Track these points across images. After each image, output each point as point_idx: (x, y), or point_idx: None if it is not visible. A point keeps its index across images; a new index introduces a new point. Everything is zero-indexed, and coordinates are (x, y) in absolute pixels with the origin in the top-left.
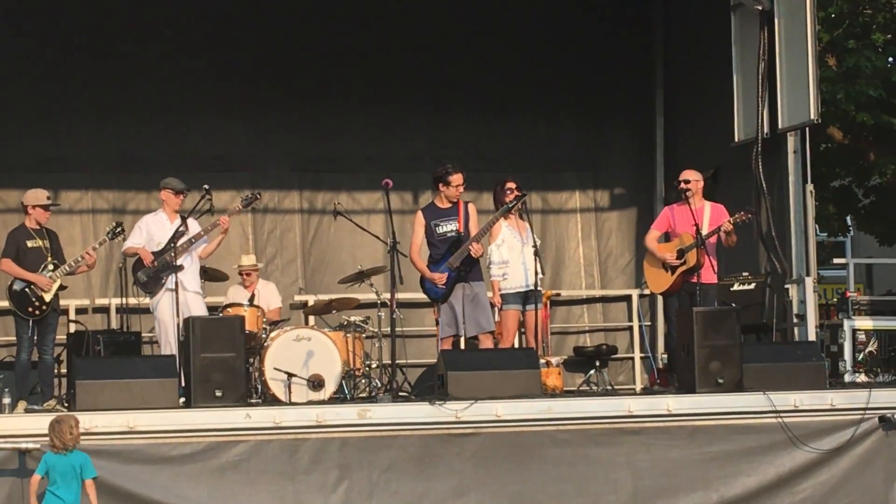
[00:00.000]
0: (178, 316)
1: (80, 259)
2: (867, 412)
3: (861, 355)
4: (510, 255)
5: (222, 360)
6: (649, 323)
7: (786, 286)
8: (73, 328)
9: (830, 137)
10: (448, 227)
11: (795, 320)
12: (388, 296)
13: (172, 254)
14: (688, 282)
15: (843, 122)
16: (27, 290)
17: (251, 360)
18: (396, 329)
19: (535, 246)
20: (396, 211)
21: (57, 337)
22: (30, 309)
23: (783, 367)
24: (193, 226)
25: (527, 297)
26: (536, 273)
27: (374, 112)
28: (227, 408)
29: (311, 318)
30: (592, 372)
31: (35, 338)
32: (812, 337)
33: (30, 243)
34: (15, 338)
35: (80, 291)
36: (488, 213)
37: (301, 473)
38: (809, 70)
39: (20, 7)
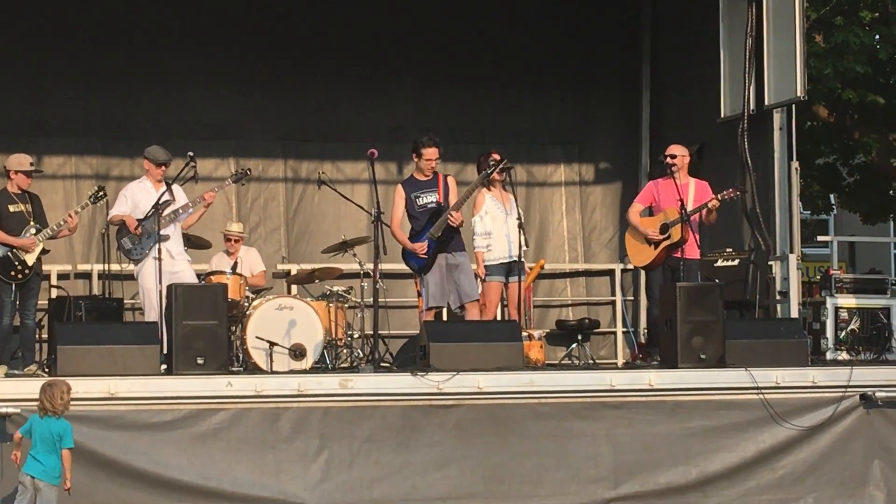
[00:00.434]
0: (160, 284)
1: (62, 223)
2: (848, 390)
3: (843, 333)
4: (493, 226)
5: (204, 328)
6: (632, 298)
7: (769, 263)
8: (54, 293)
9: (816, 115)
10: (428, 199)
11: (778, 297)
12: (371, 266)
13: (156, 222)
14: (671, 257)
15: (828, 99)
16: (9, 254)
17: (233, 328)
18: (379, 299)
19: (518, 218)
20: (381, 181)
21: (39, 302)
22: (12, 273)
23: (765, 344)
24: (179, 193)
25: (510, 269)
26: (520, 245)
27: (359, 82)
28: (209, 375)
29: (294, 288)
30: (574, 346)
31: (17, 302)
32: (795, 314)
33: (12, 207)
34: None
35: (62, 257)
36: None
37: (282, 442)
38: (797, 47)
39: None
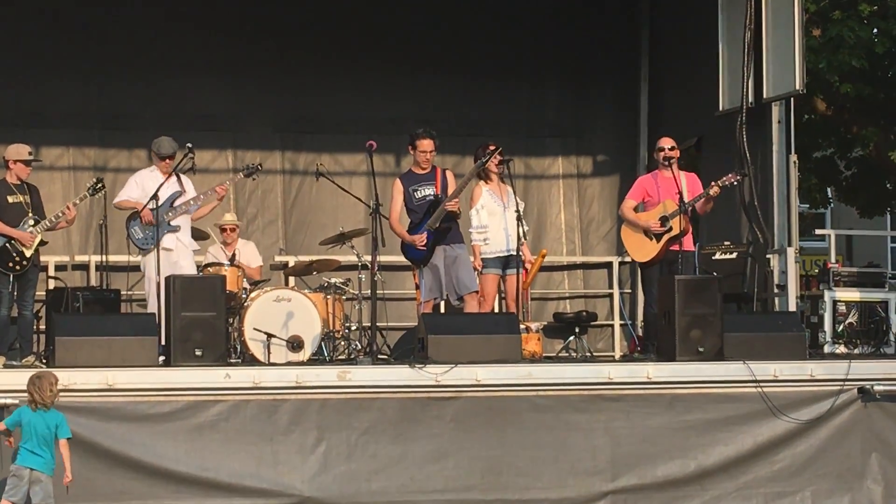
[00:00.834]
0: (158, 275)
1: (60, 214)
2: (846, 383)
3: (841, 327)
4: (490, 219)
5: (202, 320)
6: (629, 290)
7: (767, 256)
8: (52, 284)
9: (814, 108)
10: (426, 192)
11: (776, 290)
12: (368, 258)
13: (157, 213)
14: (670, 250)
15: (826, 93)
16: (8, 245)
17: (231, 319)
18: (377, 291)
19: (517, 210)
20: (379, 173)
21: (36, 293)
22: (10, 264)
23: (764, 337)
24: (189, 185)
25: (507, 262)
26: (519, 238)
27: (358, 74)
28: (207, 367)
29: (292, 279)
30: (572, 338)
31: (15, 293)
32: (793, 307)
33: (10, 198)
34: None
35: (59, 248)
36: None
37: (280, 434)
38: (795, 40)
39: None
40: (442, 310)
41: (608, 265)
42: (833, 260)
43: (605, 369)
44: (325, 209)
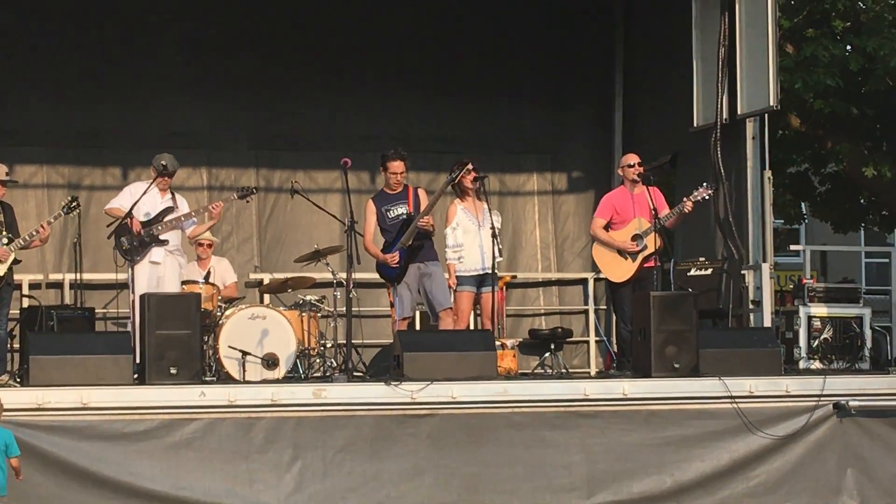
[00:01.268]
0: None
1: (34, 233)
2: (822, 399)
3: (816, 342)
4: (465, 238)
5: (177, 338)
6: (605, 307)
7: (742, 272)
8: (26, 303)
9: (788, 124)
10: (398, 211)
11: (751, 306)
12: (344, 275)
13: (159, 227)
14: (642, 267)
15: (800, 109)
16: None
17: (206, 337)
18: (352, 309)
19: (492, 227)
20: (354, 190)
21: (10, 311)
22: None
23: (739, 353)
24: (182, 203)
25: (482, 280)
26: (494, 256)
27: (332, 91)
28: (182, 385)
29: (267, 297)
30: (547, 355)
31: None
32: (768, 323)
33: None
34: None
35: (33, 266)
36: (447, 195)
37: (255, 452)
38: (769, 56)
39: None
40: (417, 327)
41: (583, 282)
42: (808, 275)
43: (580, 386)
44: (299, 226)
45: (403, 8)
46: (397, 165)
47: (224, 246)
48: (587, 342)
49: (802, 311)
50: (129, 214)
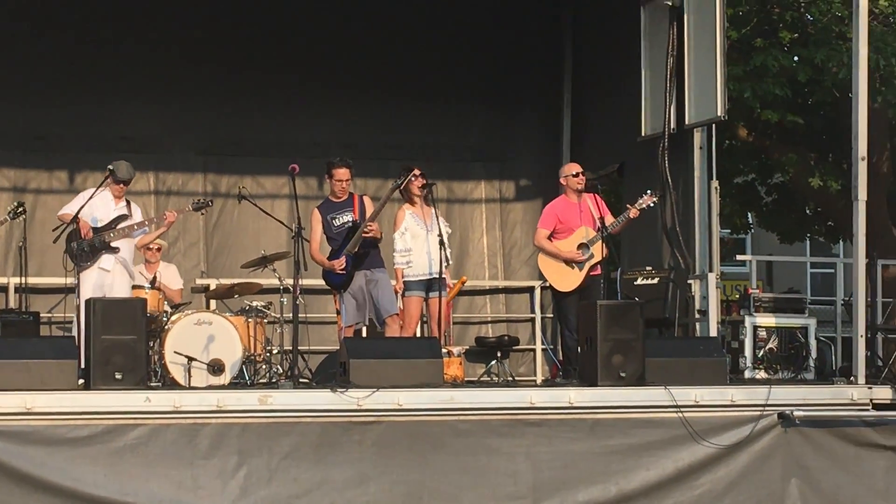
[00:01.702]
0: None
1: None
2: (766, 409)
3: (761, 352)
4: (413, 242)
5: (123, 343)
6: (551, 315)
7: (689, 281)
8: None
9: (735, 134)
10: (344, 219)
11: (697, 316)
12: (290, 281)
13: (111, 234)
14: (589, 276)
15: (748, 119)
16: None
17: (152, 343)
18: (299, 315)
19: (440, 235)
20: (302, 196)
21: None
22: None
23: (685, 362)
24: (137, 212)
25: (430, 285)
26: (441, 262)
27: (280, 97)
28: (127, 391)
29: (213, 303)
30: (494, 363)
31: None
32: (713, 333)
33: None
34: None
35: None
36: (396, 201)
37: (200, 458)
38: (717, 67)
39: None
40: (364, 334)
41: (530, 290)
42: (754, 285)
43: (526, 394)
44: (247, 232)
45: (352, 15)
46: (342, 173)
47: (171, 251)
48: (534, 350)
49: (748, 320)
50: (75, 219)
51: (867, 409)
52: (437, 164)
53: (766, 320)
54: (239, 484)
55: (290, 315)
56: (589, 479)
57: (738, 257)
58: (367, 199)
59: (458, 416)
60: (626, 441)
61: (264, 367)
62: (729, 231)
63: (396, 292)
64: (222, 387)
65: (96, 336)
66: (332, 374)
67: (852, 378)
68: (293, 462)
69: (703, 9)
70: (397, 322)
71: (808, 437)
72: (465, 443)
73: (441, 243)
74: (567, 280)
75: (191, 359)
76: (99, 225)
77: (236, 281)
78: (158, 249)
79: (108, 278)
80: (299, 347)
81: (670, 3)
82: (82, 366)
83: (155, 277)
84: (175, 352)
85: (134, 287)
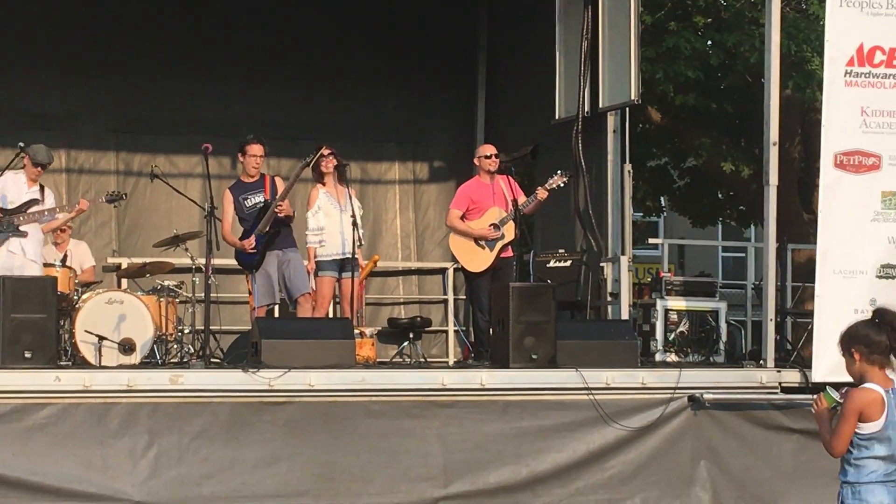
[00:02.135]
0: None
1: None
2: (677, 391)
3: (672, 335)
4: (327, 221)
5: (33, 322)
6: (464, 297)
7: (601, 264)
8: None
9: (648, 118)
10: (256, 200)
11: (609, 298)
12: (202, 261)
13: (21, 218)
14: (499, 257)
15: (661, 103)
16: None
17: (62, 321)
18: (211, 295)
19: (353, 216)
20: (214, 176)
21: None
22: None
23: (596, 345)
24: (49, 197)
25: (343, 265)
26: (354, 242)
27: (194, 76)
28: (36, 370)
29: (125, 282)
30: (406, 344)
31: None
32: (625, 315)
33: None
34: None
35: None
36: (309, 180)
37: (110, 438)
38: (632, 51)
39: None
40: (276, 314)
41: (443, 271)
42: (665, 269)
43: (438, 375)
44: (159, 211)
45: None
46: (256, 148)
47: (82, 229)
48: (446, 332)
49: (660, 303)
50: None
51: (776, 393)
52: (351, 144)
53: (678, 303)
54: (149, 463)
55: (203, 295)
56: (500, 460)
57: (651, 241)
58: (278, 180)
59: (370, 397)
60: (537, 423)
61: (176, 346)
62: (641, 214)
63: (309, 272)
64: (133, 366)
65: (6, 314)
66: (244, 354)
67: (762, 361)
68: (204, 442)
69: None
70: (310, 301)
71: (718, 420)
72: (376, 424)
73: (354, 223)
74: (477, 260)
75: (101, 338)
76: (9, 206)
77: (148, 260)
78: (65, 230)
79: (16, 261)
80: (211, 327)
81: None
82: None
83: (66, 256)
84: (86, 331)
85: (45, 265)
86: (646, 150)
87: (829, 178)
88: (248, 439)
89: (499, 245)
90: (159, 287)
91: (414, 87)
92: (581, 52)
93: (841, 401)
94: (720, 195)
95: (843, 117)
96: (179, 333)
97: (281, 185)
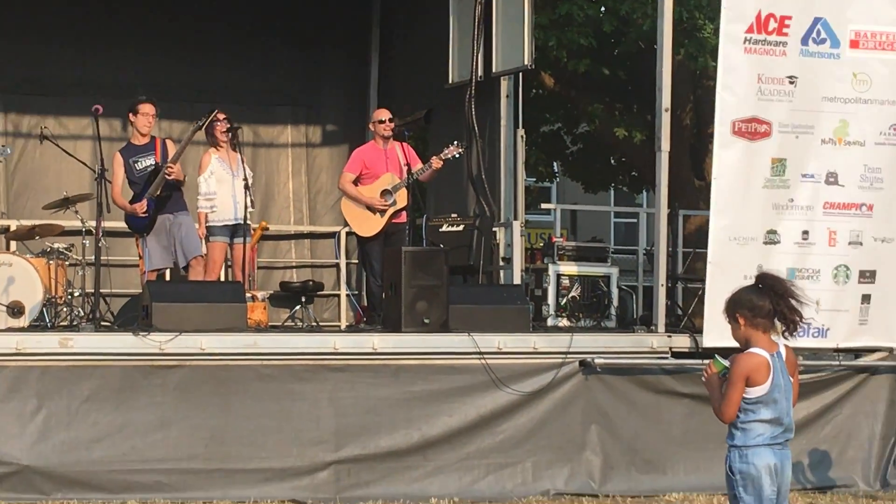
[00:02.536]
0: None
1: None
2: (568, 356)
3: (564, 300)
4: (219, 187)
5: None
6: (356, 261)
7: (493, 229)
8: None
9: (542, 83)
10: (146, 163)
11: (502, 263)
12: (93, 223)
13: None
14: (391, 222)
15: (554, 69)
16: None
17: None
18: (101, 258)
19: (245, 179)
20: (105, 138)
21: None
22: None
23: (488, 310)
24: None
25: (235, 231)
26: (246, 206)
27: (84, 36)
28: None
29: (13, 244)
30: (298, 308)
31: None
32: (518, 280)
33: None
34: None
35: None
36: (201, 144)
37: None
38: (525, 16)
39: None
40: (167, 278)
41: (335, 235)
42: (558, 234)
43: (330, 339)
44: (48, 173)
45: None
46: (148, 107)
47: None
48: (338, 296)
49: (552, 268)
50: None
51: (666, 357)
52: (243, 107)
53: (570, 268)
54: (38, 427)
55: (93, 258)
56: (391, 424)
57: (543, 206)
58: (169, 143)
59: (262, 361)
60: (428, 387)
61: (65, 309)
62: (534, 179)
63: (200, 237)
64: (22, 329)
65: None
66: (135, 317)
67: (653, 327)
68: (94, 405)
69: None
70: (201, 264)
71: (609, 385)
72: (268, 387)
73: (246, 188)
74: (367, 225)
75: None
76: None
77: (37, 222)
78: None
79: None
80: (101, 290)
81: None
82: None
83: None
84: None
85: None
86: (539, 116)
87: (725, 144)
88: (138, 403)
89: (390, 211)
90: (49, 250)
91: (307, 49)
92: (475, 16)
93: (729, 367)
94: (612, 161)
95: (741, 84)
96: (69, 296)
97: (172, 147)
